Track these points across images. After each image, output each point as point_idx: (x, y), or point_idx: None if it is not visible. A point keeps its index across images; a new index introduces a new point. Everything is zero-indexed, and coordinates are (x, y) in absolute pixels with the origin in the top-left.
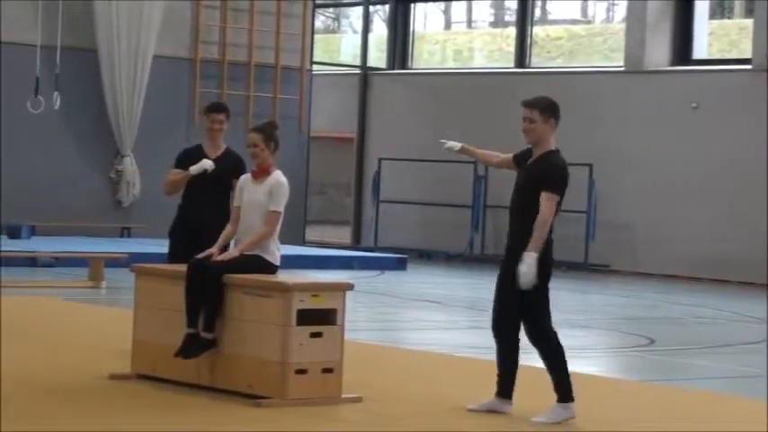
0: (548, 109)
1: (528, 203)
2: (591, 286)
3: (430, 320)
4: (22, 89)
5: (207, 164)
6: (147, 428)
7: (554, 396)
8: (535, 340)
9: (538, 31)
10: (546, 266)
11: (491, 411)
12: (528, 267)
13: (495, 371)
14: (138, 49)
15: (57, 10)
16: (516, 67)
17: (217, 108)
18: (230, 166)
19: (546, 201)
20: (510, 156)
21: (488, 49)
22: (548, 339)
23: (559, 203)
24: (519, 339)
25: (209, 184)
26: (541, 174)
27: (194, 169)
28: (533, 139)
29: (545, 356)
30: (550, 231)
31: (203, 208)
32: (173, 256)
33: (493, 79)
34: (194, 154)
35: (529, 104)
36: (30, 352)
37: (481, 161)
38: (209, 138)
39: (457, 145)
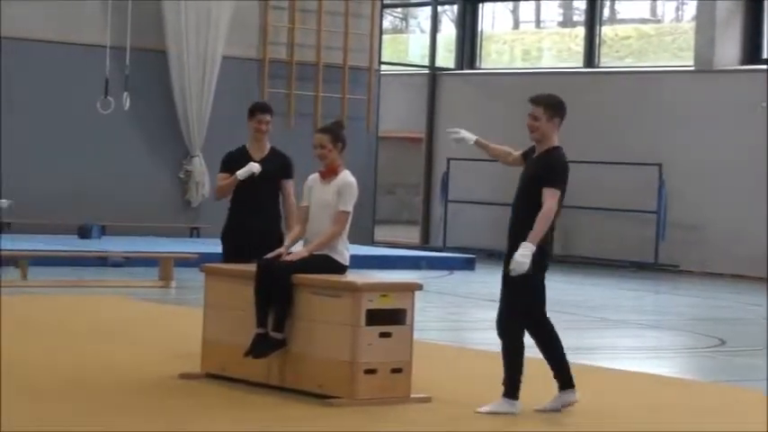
0: (552, 107)
1: (530, 199)
2: (661, 287)
3: None
4: (91, 90)
5: (254, 167)
6: (217, 428)
7: (554, 386)
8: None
9: (607, 31)
10: (544, 257)
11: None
12: (522, 257)
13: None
14: (207, 49)
15: (126, 11)
16: (585, 66)
17: (263, 108)
18: (277, 167)
19: (549, 196)
20: (520, 153)
21: (557, 48)
22: (542, 326)
23: (561, 199)
24: (523, 338)
25: (257, 186)
26: (544, 170)
27: (241, 174)
28: (537, 136)
29: (541, 345)
30: (552, 227)
31: (252, 210)
32: (226, 261)
33: (561, 79)
34: (239, 156)
35: (534, 101)
36: (100, 351)
37: (495, 157)
38: (254, 139)
39: (471, 138)
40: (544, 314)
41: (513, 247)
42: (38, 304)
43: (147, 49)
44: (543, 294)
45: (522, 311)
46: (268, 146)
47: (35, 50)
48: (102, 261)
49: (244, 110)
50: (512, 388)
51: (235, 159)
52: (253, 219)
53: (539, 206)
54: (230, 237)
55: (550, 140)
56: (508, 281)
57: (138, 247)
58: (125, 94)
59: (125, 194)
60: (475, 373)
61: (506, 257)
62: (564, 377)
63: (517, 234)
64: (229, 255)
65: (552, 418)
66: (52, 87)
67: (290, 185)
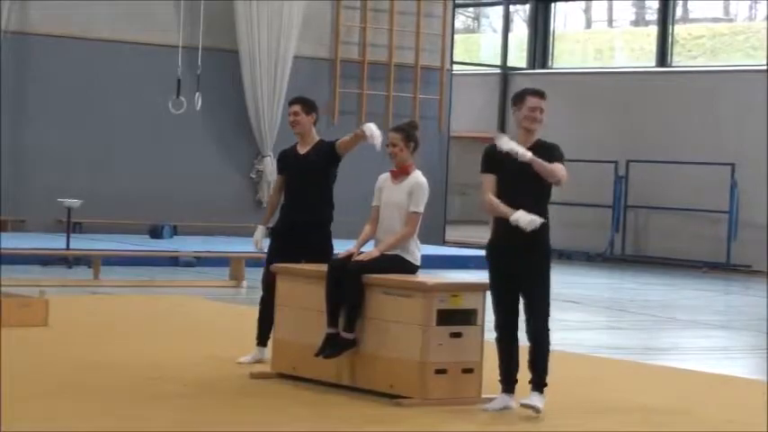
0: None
1: (534, 187)
2: (732, 287)
3: (568, 320)
4: (163, 90)
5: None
6: (288, 428)
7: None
8: (537, 334)
9: (679, 30)
10: (549, 245)
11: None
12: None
13: (628, 371)
14: (279, 49)
15: (198, 11)
16: (657, 66)
17: (290, 101)
18: (320, 158)
19: (563, 170)
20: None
21: (629, 48)
22: (547, 336)
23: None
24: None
25: (304, 180)
26: (550, 153)
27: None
28: (536, 125)
29: (541, 354)
30: (547, 213)
31: (300, 204)
32: (272, 254)
33: (634, 78)
34: (287, 154)
35: (544, 96)
36: (170, 351)
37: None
38: (295, 133)
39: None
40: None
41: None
42: (110, 303)
43: (219, 48)
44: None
45: (548, 307)
46: (316, 138)
47: (107, 51)
48: (174, 261)
49: None
50: (541, 384)
51: (283, 158)
52: (300, 212)
53: (546, 196)
54: (278, 230)
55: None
56: (538, 273)
57: (209, 247)
58: (197, 94)
59: (196, 194)
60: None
61: (510, 257)
62: (514, 380)
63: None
64: (274, 251)
65: (625, 417)
66: (124, 88)
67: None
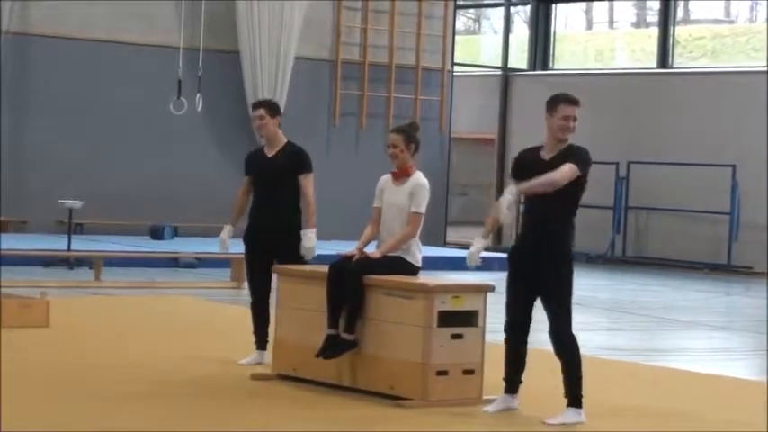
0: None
1: (557, 194)
2: (733, 288)
3: None
4: (164, 91)
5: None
6: (289, 428)
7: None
8: (563, 345)
9: (680, 31)
10: (570, 256)
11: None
12: (503, 198)
13: (629, 373)
14: (280, 50)
15: (199, 12)
16: (659, 67)
17: (253, 105)
18: (287, 162)
19: (567, 167)
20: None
21: (630, 49)
22: (575, 345)
23: (582, 193)
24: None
25: (270, 184)
26: (566, 155)
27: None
28: (569, 133)
29: (571, 363)
30: (572, 219)
31: (267, 209)
32: (249, 259)
33: (635, 80)
34: (254, 156)
35: (578, 103)
36: (171, 352)
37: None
38: (260, 137)
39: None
40: None
41: (545, 239)
42: (111, 304)
43: (220, 50)
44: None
45: (570, 316)
46: (283, 141)
47: (108, 51)
48: (175, 262)
49: (316, 111)
50: (577, 397)
51: (251, 160)
52: (267, 217)
53: (564, 201)
54: (248, 236)
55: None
56: (551, 293)
57: (210, 248)
58: (198, 95)
59: (197, 195)
60: (546, 374)
61: (528, 261)
62: (580, 394)
63: (542, 224)
64: (248, 255)
65: (627, 419)
66: (125, 89)
67: (306, 180)
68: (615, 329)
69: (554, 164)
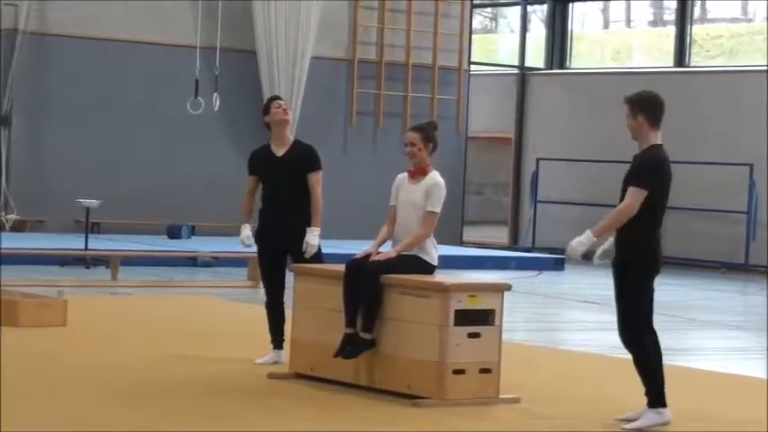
0: (637, 104)
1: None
2: (750, 287)
3: (589, 321)
4: (181, 91)
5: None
6: (306, 428)
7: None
8: (626, 344)
9: (697, 30)
10: (651, 262)
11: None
12: (577, 243)
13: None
14: (297, 49)
15: (216, 11)
16: (676, 66)
17: (277, 96)
18: (299, 160)
19: (630, 195)
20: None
21: (647, 48)
22: (639, 343)
23: (662, 200)
24: (654, 340)
25: (283, 184)
26: (634, 168)
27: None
28: (632, 135)
29: (636, 361)
30: (657, 230)
31: (281, 208)
32: (262, 259)
33: (652, 79)
34: (261, 154)
35: (624, 100)
36: (188, 351)
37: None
38: (279, 128)
39: (589, 239)
40: (650, 322)
41: (618, 248)
42: (128, 304)
43: (237, 49)
44: (651, 302)
45: (640, 315)
46: (291, 139)
47: (125, 51)
48: (192, 261)
49: (333, 111)
50: (656, 396)
51: (257, 159)
52: (283, 217)
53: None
54: (260, 236)
55: (646, 139)
56: (620, 288)
57: (227, 248)
58: (215, 94)
59: (214, 194)
60: (565, 373)
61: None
62: (657, 393)
63: (619, 233)
64: (262, 256)
65: None
66: (142, 88)
67: (315, 178)
68: None
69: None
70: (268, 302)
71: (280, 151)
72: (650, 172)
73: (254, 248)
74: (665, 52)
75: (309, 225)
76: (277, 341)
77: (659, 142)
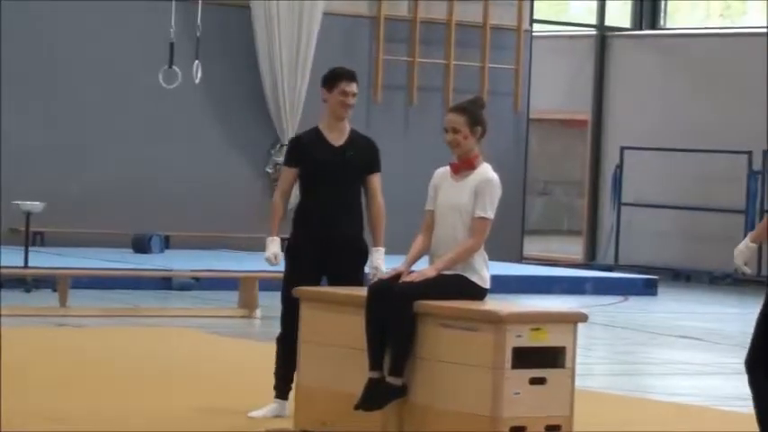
0: None
1: None
2: None
3: (688, 363)
4: (152, 58)
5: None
6: None
7: None
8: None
9: None
10: None
11: None
12: (738, 252)
13: None
14: (304, 4)
15: None
16: None
17: (350, 75)
18: (364, 157)
19: None
20: None
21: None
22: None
23: None
24: None
25: (340, 183)
26: None
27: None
28: None
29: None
30: None
31: (336, 215)
32: (292, 278)
33: None
34: (311, 142)
35: None
36: (163, 401)
37: None
38: (335, 118)
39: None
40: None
41: None
42: (81, 339)
43: (225, 3)
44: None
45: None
46: (348, 128)
47: (76, 8)
48: (165, 282)
49: None
50: None
51: (304, 148)
52: (331, 226)
53: None
54: (300, 251)
55: None
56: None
57: (211, 264)
58: (195, 62)
59: (194, 195)
60: (655, 431)
61: None
62: None
63: None
64: (298, 273)
65: None
66: (99, 56)
67: (377, 180)
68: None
69: None
70: (283, 336)
71: (338, 140)
72: None
73: (238, 268)
74: None
75: (361, 240)
76: (282, 389)
77: None
